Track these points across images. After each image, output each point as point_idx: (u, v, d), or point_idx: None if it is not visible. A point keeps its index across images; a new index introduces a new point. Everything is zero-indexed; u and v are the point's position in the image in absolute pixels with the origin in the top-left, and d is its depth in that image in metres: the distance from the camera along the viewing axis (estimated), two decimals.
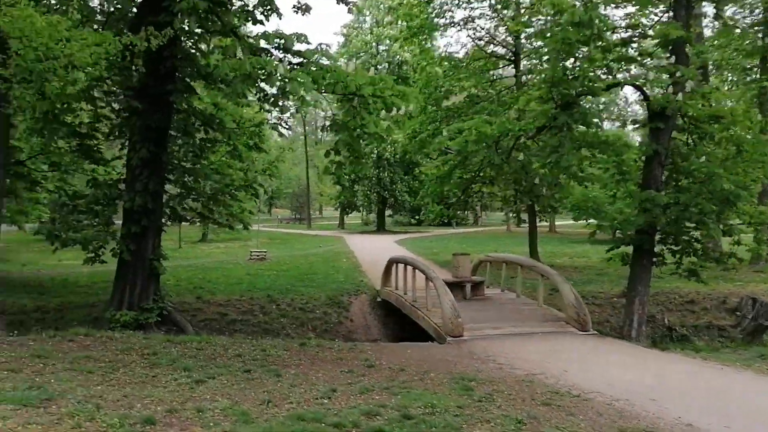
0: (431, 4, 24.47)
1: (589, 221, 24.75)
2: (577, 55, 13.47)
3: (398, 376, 9.26)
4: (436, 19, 24.74)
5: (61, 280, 20.21)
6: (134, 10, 15.43)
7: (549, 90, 13.18)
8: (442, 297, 13.06)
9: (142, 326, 14.89)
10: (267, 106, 14.71)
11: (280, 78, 10.66)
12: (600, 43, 13.22)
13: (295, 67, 11.48)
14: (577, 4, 13.31)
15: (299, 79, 10.24)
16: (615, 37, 14.81)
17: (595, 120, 13.88)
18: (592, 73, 13.44)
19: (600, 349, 11.88)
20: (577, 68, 13.51)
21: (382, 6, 43.29)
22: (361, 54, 46.41)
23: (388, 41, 44.75)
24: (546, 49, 13.10)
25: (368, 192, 47.92)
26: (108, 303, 15.53)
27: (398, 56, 44.22)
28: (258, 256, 27.69)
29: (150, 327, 15.15)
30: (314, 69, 11.34)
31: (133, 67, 14.36)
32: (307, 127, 69.34)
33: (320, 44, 12.21)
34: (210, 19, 12.38)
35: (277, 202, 67.31)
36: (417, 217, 56.02)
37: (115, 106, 17.61)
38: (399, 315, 16.84)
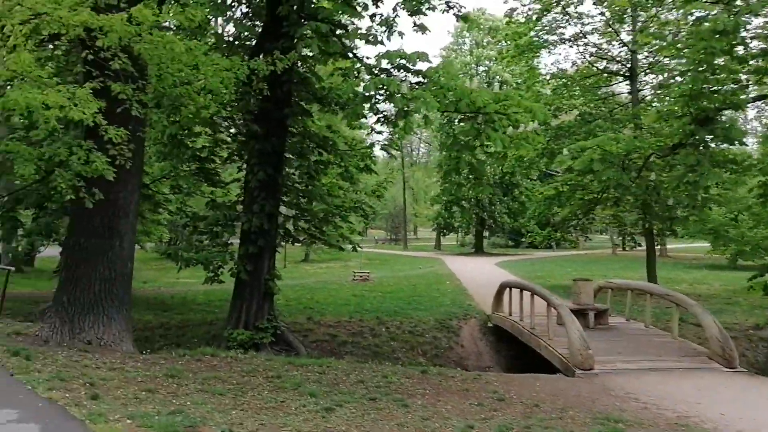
0: (540, 21, 23.65)
1: (723, 246, 22.68)
2: (716, 66, 12.27)
3: (533, 412, 8.53)
4: (545, 36, 23.89)
5: (180, 298, 20.89)
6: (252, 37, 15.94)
7: (686, 104, 12.06)
8: (569, 325, 12.15)
9: (257, 346, 14.98)
10: (378, 128, 14.60)
11: (402, 97, 10.33)
12: (742, 52, 12.02)
13: (416, 86, 11.13)
14: (717, 10, 12.17)
15: (424, 98, 9.87)
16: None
17: (739, 137, 12.54)
18: (733, 85, 12.18)
19: (754, 389, 10.55)
20: (716, 80, 12.30)
21: (482, 27, 42.83)
22: (461, 75, 45.99)
23: (487, 62, 44.11)
24: (683, 61, 12.00)
25: (466, 213, 47.07)
26: (225, 321, 15.77)
27: (498, 76, 43.43)
28: (361, 276, 27.58)
29: (264, 347, 15.20)
30: (435, 87, 10.95)
31: (253, 92, 14.63)
32: (403, 149, 69.59)
33: (434, 66, 11.95)
34: (330, 42, 12.35)
35: (372, 222, 67.68)
36: (516, 239, 54.43)
37: (232, 130, 18.16)
38: (513, 342, 15.99)
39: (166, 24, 11.64)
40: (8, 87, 9.03)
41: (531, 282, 24.53)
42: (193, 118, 10.92)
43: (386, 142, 17.02)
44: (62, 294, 10.55)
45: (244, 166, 17.20)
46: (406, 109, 10.49)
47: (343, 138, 16.63)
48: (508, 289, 16.80)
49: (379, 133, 17.21)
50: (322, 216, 17.37)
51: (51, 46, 9.87)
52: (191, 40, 10.37)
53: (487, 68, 45.47)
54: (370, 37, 11.83)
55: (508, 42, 25.12)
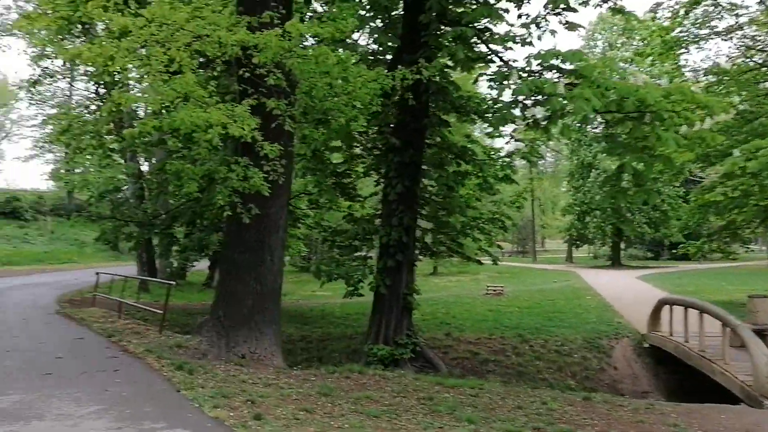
0: (688, 15, 21.54)
1: None
2: None
3: None
4: (695, 30, 21.71)
5: (319, 311, 21.12)
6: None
7: None
8: (753, 349, 10.56)
9: (396, 361, 14.62)
10: (517, 135, 13.75)
11: (558, 99, 9.49)
12: None
13: (571, 87, 10.22)
14: None
15: (585, 98, 8.96)
16: None
17: None
18: None
19: None
20: None
21: (615, 28, 40.30)
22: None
23: (622, 64, 41.34)
24: None
25: (602, 223, 44.26)
26: (365, 336, 15.58)
27: (633, 77, 40.50)
28: (494, 290, 26.53)
29: (404, 363, 14.80)
30: (593, 87, 9.97)
31: (392, 104, 14.39)
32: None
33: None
34: (473, 48, 11.78)
35: (503, 234, 65.78)
36: (657, 251, 50.47)
37: (367, 144, 18.09)
38: (675, 365, 14.38)
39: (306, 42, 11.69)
40: (164, 110, 9.36)
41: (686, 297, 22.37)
42: (340, 131, 10.79)
43: (526, 150, 16.02)
44: (218, 308, 10.76)
45: (381, 179, 17.14)
46: (562, 111, 9.63)
47: (481, 147, 15.91)
48: (667, 306, 15.16)
49: (519, 141, 16.32)
50: (459, 228, 16.75)
51: (210, 67, 10.12)
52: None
53: (621, 70, 42.62)
54: (517, 39, 11.08)
55: (651, 40, 23.13)
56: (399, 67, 10.19)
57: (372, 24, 14.80)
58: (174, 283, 13.58)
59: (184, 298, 22.81)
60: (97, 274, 17.29)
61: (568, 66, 10.56)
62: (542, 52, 9.97)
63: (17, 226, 41.29)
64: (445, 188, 15.42)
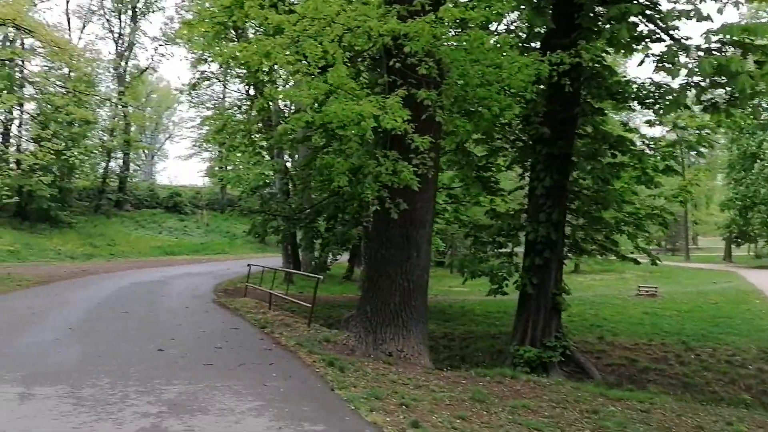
0: None
1: None
2: None
3: None
4: None
5: (459, 308, 20.61)
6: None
7: None
8: None
9: (544, 365, 13.74)
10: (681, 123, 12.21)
11: (748, 77, 8.13)
12: None
13: (759, 64, 8.75)
14: None
15: None
16: None
17: None
18: None
19: None
20: None
21: None
22: None
23: None
24: None
25: None
26: (510, 336, 14.83)
27: None
28: (647, 291, 24.41)
29: (553, 367, 13.86)
30: None
31: (541, 88, 13.44)
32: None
33: None
34: (635, 26, 10.56)
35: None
36: None
37: (509, 136, 17.19)
38: None
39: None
40: (316, 104, 9.27)
41: None
42: (487, 122, 10.16)
43: (692, 139, 14.29)
44: (365, 303, 10.59)
45: (525, 173, 16.23)
46: (752, 91, 8.25)
47: (642, 137, 14.45)
48: None
49: (683, 128, 14.65)
50: (614, 224, 15.38)
51: (358, 60, 9.94)
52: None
53: None
54: (692, 13, 9.70)
55: None
56: (547, 53, 9.35)
57: (522, 7, 13.91)
58: (321, 277, 13.72)
59: (326, 291, 23.34)
60: (249, 266, 18.07)
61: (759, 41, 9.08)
62: (727, 26, 8.60)
63: (178, 219, 45.07)
64: (599, 181, 14.15)
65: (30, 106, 34.73)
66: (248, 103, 25.86)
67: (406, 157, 8.99)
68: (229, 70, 33.44)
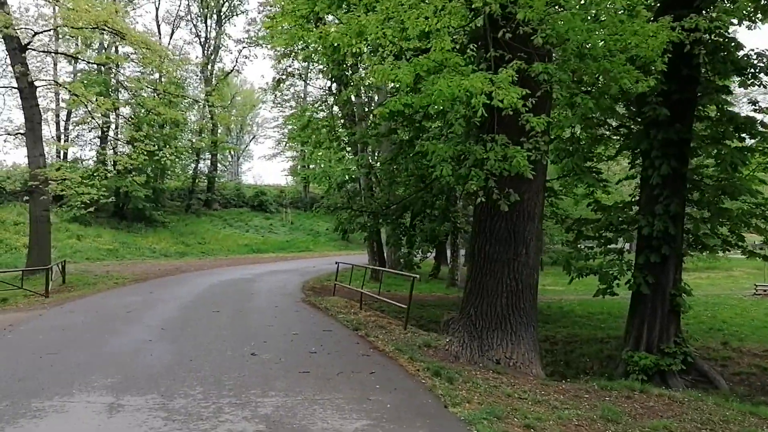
0: None
1: None
2: None
3: None
4: None
5: (557, 308, 19.18)
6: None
7: None
8: None
9: (662, 373, 12.24)
10: None
11: None
12: None
13: None
14: None
15: None
16: None
17: None
18: None
19: None
20: None
21: None
22: None
23: None
24: None
25: None
26: (622, 341, 13.38)
27: None
28: (766, 291, 21.93)
29: (672, 376, 12.33)
30: None
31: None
32: None
33: None
34: None
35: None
36: None
37: (612, 122, 15.61)
38: None
39: None
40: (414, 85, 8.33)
41: None
42: (615, 98, 8.90)
43: None
44: (469, 305, 9.57)
45: (633, 161, 14.65)
46: None
47: None
48: None
49: None
50: (737, 216, 13.55)
51: (460, 34, 8.92)
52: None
53: None
54: None
55: None
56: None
57: None
58: (417, 276, 12.80)
59: (414, 288, 22.44)
60: (337, 264, 17.46)
61: None
62: None
63: (264, 218, 45.65)
64: (728, 168, 12.41)
65: (125, 110, 36.07)
66: (331, 98, 25.37)
67: (516, 142, 7.92)
68: (312, 65, 33.27)
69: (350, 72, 18.73)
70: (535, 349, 9.52)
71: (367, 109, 21.36)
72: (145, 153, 25.88)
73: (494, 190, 8.08)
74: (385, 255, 26.03)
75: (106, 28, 18.36)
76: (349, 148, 23.62)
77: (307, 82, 33.65)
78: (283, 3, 18.85)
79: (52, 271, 18.51)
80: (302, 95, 38.34)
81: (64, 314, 12.43)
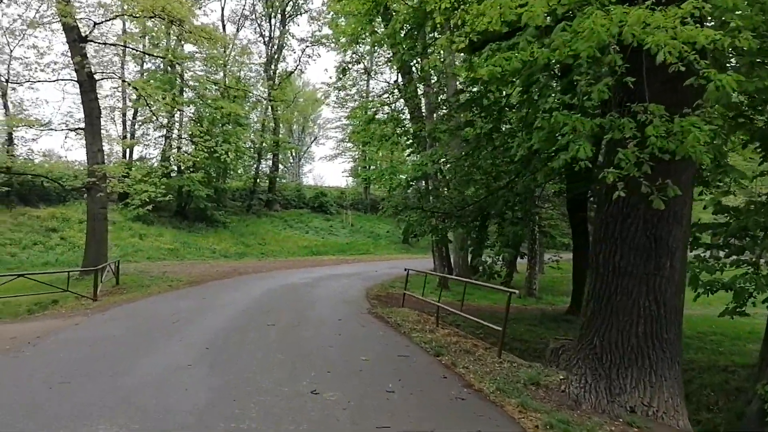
0: None
1: None
2: None
3: None
4: None
5: None
6: None
7: None
8: None
9: None
10: None
11: None
12: None
13: None
14: None
15: None
16: None
17: None
18: None
19: None
20: None
21: None
22: None
23: None
24: None
25: None
26: (756, 371, 10.64)
27: None
28: None
29: None
30: None
31: None
32: None
33: None
34: None
35: None
36: None
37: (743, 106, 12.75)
38: None
39: None
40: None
41: None
42: None
43: None
44: (591, 333, 7.18)
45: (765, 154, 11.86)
46: None
47: None
48: None
49: None
50: None
51: None
52: None
53: None
54: None
55: None
56: None
57: None
58: (516, 291, 10.43)
59: (484, 298, 20.05)
60: (407, 271, 15.29)
61: None
62: None
63: (324, 219, 44.07)
64: None
65: (189, 110, 35.25)
66: (396, 91, 23.30)
67: (674, 112, 5.55)
68: (375, 61, 31.39)
69: (420, 58, 16.59)
70: (681, 394, 7.05)
71: (441, 99, 19.08)
72: (205, 150, 24.69)
73: (643, 182, 5.71)
74: (452, 260, 23.70)
75: (164, 15, 16.90)
76: (415, 145, 21.51)
77: (372, 75, 31.68)
78: None
79: (104, 271, 17.18)
80: (364, 95, 36.46)
81: (102, 323, 10.79)
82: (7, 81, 25.44)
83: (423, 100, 21.13)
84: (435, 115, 20.26)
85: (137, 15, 16.93)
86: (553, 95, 10.30)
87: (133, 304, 13.70)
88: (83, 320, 11.04)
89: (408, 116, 22.64)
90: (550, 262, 22.44)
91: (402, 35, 16.37)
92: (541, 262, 23.23)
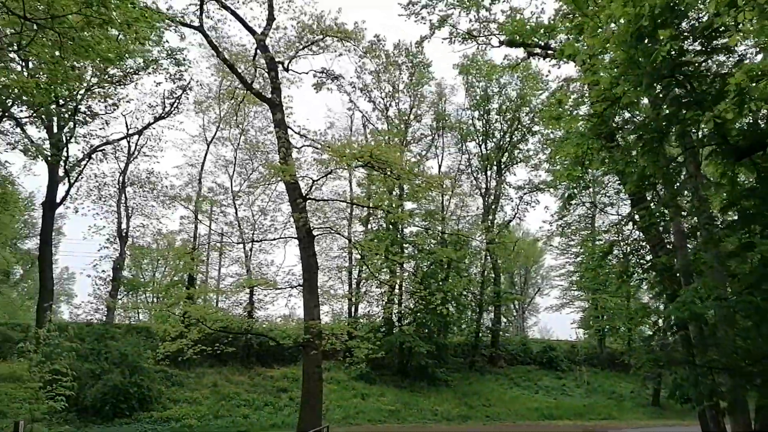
0: None
1: None
2: None
3: None
4: None
5: None
6: None
7: None
8: None
9: None
10: None
11: None
12: None
13: None
14: None
15: None
16: None
17: None
18: None
19: None
20: None
21: None
22: None
23: None
24: None
25: None
26: None
27: None
28: None
29: None
30: None
31: None
32: None
33: None
34: None
35: None
36: None
37: None
38: None
39: None
40: None
41: None
42: None
43: None
44: None
45: None
46: None
47: None
48: None
49: None
50: None
51: None
52: None
53: None
54: None
55: None
56: None
57: None
58: None
59: None
60: None
61: None
62: None
63: (555, 377, 38.33)
64: None
65: (408, 266, 34.82)
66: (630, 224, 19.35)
67: None
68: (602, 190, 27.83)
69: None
70: None
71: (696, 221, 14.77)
72: (423, 303, 23.07)
73: None
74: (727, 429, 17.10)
75: (373, 161, 16.40)
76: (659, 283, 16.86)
77: (599, 207, 28.00)
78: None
79: None
80: (590, 223, 32.41)
81: None
82: (252, 241, 27.80)
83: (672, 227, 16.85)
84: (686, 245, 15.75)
85: (348, 163, 16.74)
86: None
87: None
88: None
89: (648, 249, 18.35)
90: None
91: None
92: None
